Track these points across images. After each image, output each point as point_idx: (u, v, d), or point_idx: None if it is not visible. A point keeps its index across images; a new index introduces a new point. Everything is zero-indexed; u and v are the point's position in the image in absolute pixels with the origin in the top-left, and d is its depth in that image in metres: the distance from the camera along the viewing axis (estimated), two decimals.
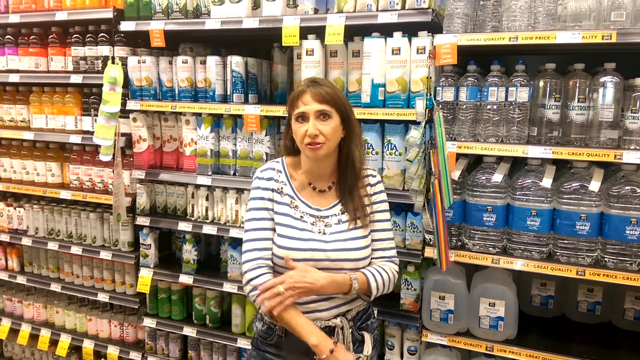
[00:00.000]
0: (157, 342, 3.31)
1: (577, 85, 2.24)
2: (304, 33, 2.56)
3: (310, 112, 1.78)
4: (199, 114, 2.91)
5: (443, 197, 2.17)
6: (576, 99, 2.24)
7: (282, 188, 1.91)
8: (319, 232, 1.86)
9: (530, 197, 2.28)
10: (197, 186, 2.99)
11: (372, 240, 1.94)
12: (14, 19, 3.29)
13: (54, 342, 3.61)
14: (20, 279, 3.67)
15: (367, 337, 1.93)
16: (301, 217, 1.88)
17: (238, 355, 3.13)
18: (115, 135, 2.98)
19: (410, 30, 2.43)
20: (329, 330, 1.85)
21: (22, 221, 3.61)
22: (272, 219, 1.88)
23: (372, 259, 1.93)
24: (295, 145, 1.92)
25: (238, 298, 3.00)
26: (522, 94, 2.26)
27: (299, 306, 1.84)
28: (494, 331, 2.43)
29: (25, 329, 3.69)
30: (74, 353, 3.64)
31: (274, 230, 1.88)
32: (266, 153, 2.78)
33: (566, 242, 2.25)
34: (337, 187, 1.93)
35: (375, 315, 2.06)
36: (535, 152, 2.21)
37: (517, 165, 2.52)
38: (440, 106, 2.36)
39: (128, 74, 3.01)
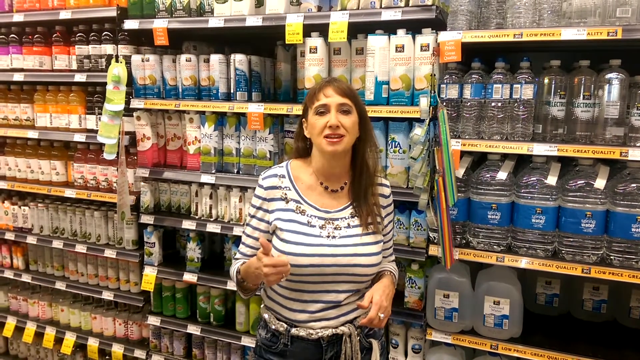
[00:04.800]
0: (162, 340, 3.31)
1: (583, 82, 2.23)
2: (308, 31, 2.56)
3: (333, 104, 1.75)
4: (203, 112, 2.92)
5: (447, 195, 2.16)
6: (581, 96, 2.23)
7: (286, 194, 1.86)
8: (328, 237, 1.79)
9: (535, 195, 2.27)
10: (201, 184, 2.99)
11: (384, 249, 1.94)
12: (18, 17, 3.30)
13: (58, 340, 3.62)
14: (25, 277, 3.69)
15: (375, 345, 1.89)
16: (308, 222, 1.81)
17: (242, 354, 3.14)
18: (119, 133, 2.98)
19: (414, 27, 2.42)
20: (337, 338, 1.82)
21: (26, 220, 3.63)
22: (266, 231, 1.87)
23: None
24: (308, 144, 1.88)
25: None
26: (526, 91, 2.25)
27: (307, 314, 1.82)
28: (498, 329, 2.42)
29: (31, 327, 3.71)
30: (79, 351, 3.66)
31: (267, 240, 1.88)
32: (270, 151, 2.78)
33: (571, 240, 2.23)
34: (351, 188, 1.87)
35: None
36: (540, 149, 2.20)
37: (522, 162, 2.51)
38: (444, 103, 2.35)
39: (132, 72, 3.02)
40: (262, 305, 1.98)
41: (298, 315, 1.83)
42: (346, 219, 1.84)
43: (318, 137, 1.76)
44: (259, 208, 1.89)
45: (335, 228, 1.81)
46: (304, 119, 1.87)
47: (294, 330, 1.82)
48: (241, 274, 1.84)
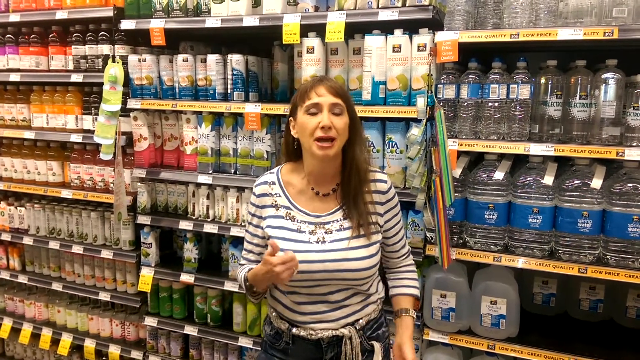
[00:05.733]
0: (159, 341, 3.31)
1: (579, 82, 2.23)
2: (305, 31, 2.55)
3: (325, 103, 1.71)
4: (200, 113, 2.91)
5: (444, 195, 2.16)
6: (578, 96, 2.24)
7: (276, 201, 1.85)
8: (317, 242, 1.78)
9: (532, 195, 2.27)
10: (198, 185, 2.99)
11: (392, 244, 1.94)
12: (14, 18, 3.29)
13: (55, 342, 3.61)
14: (22, 278, 3.68)
15: (377, 347, 1.87)
16: (298, 228, 1.80)
17: (239, 354, 3.13)
18: (116, 134, 2.98)
19: (411, 27, 2.42)
20: (337, 340, 1.81)
21: (23, 220, 3.61)
22: (262, 237, 1.88)
23: (394, 259, 1.99)
24: (296, 145, 1.84)
25: (239, 297, 3.00)
26: (523, 91, 2.25)
27: (306, 315, 1.81)
28: (495, 329, 2.42)
29: (27, 329, 3.69)
30: (76, 352, 3.65)
31: (264, 245, 1.89)
32: (267, 151, 2.78)
33: (568, 239, 2.24)
34: (341, 191, 1.83)
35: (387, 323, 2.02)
36: (536, 149, 2.20)
37: (519, 162, 2.52)
38: (441, 103, 2.35)
39: (128, 72, 3.01)
40: (268, 303, 1.98)
41: (298, 317, 1.83)
42: (338, 221, 1.82)
43: (309, 138, 1.72)
44: (253, 215, 1.90)
45: (326, 232, 1.80)
46: (291, 118, 1.83)
47: (294, 330, 1.83)
48: (249, 280, 1.83)
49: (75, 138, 3.24)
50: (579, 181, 2.21)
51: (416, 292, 1.98)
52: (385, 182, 1.90)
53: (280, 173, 1.90)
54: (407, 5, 2.37)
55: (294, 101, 1.81)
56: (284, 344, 1.86)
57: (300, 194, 1.86)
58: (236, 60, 2.79)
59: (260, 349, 2.04)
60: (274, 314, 1.92)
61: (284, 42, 2.56)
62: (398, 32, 2.43)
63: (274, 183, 1.88)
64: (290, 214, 1.83)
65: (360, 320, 1.85)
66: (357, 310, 1.85)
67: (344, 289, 1.81)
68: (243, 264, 1.95)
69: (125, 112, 3.05)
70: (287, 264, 1.63)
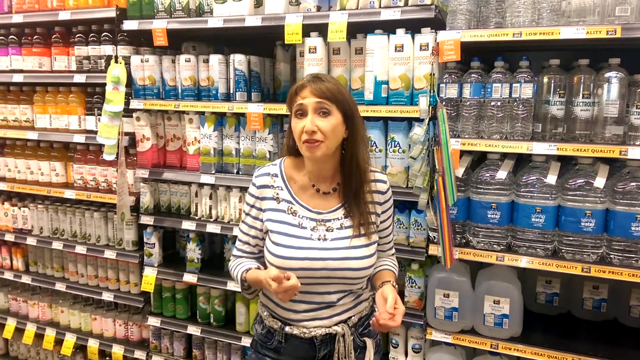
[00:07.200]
0: (162, 341, 3.31)
1: (582, 81, 2.23)
2: (307, 31, 2.56)
3: (308, 105, 1.68)
4: (202, 113, 2.92)
5: (447, 195, 2.16)
6: (581, 95, 2.23)
7: (277, 194, 1.84)
8: (319, 239, 1.77)
9: (535, 194, 2.27)
10: (201, 185, 2.99)
11: (383, 244, 1.95)
12: (17, 18, 3.30)
13: (59, 342, 3.62)
14: (25, 279, 3.69)
15: (369, 343, 1.87)
16: (300, 223, 1.79)
17: (242, 354, 3.14)
18: (119, 134, 2.98)
19: (413, 27, 2.42)
20: (330, 338, 1.81)
21: (26, 221, 3.62)
22: (261, 229, 1.86)
23: (381, 257, 1.98)
24: (296, 145, 1.84)
25: (242, 297, 3.00)
26: (526, 90, 2.25)
27: (300, 314, 1.81)
28: (498, 329, 2.42)
29: (31, 329, 3.71)
30: (79, 352, 3.65)
31: (261, 238, 1.88)
32: (269, 151, 2.78)
33: (571, 239, 2.23)
34: (342, 190, 1.82)
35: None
36: (539, 148, 2.20)
37: (522, 162, 2.51)
38: (443, 103, 2.35)
39: (131, 73, 3.02)
40: (258, 301, 1.97)
41: (291, 314, 1.82)
42: (339, 219, 1.81)
43: (298, 141, 1.73)
44: (252, 206, 1.87)
45: (327, 230, 1.79)
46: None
47: (287, 329, 1.82)
48: (248, 282, 1.82)
49: (78, 138, 3.24)
50: (582, 180, 2.21)
51: (396, 272, 1.95)
52: (385, 182, 1.90)
53: (283, 166, 1.88)
54: (409, 4, 2.37)
55: (287, 103, 1.82)
56: (277, 343, 1.85)
57: (303, 190, 1.85)
58: (238, 60, 2.79)
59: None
60: (265, 313, 1.90)
61: (286, 42, 2.56)
62: (400, 31, 2.43)
63: (276, 175, 1.86)
64: (292, 208, 1.82)
65: (353, 318, 1.85)
66: (350, 307, 1.85)
67: (340, 289, 1.81)
68: (237, 255, 1.93)
69: (127, 112, 3.05)
70: (289, 292, 1.63)
